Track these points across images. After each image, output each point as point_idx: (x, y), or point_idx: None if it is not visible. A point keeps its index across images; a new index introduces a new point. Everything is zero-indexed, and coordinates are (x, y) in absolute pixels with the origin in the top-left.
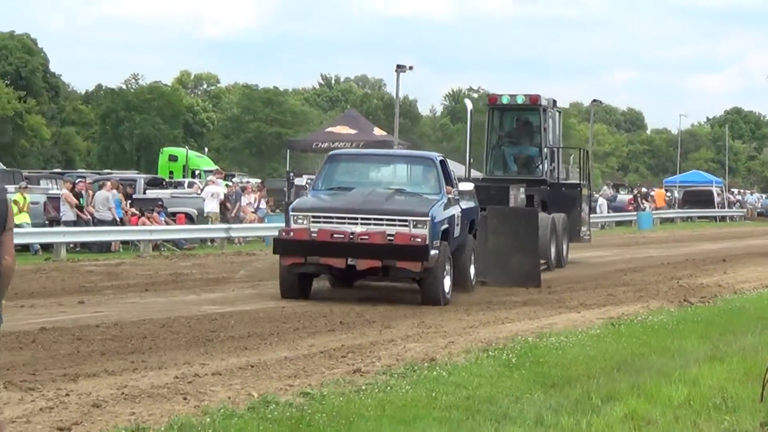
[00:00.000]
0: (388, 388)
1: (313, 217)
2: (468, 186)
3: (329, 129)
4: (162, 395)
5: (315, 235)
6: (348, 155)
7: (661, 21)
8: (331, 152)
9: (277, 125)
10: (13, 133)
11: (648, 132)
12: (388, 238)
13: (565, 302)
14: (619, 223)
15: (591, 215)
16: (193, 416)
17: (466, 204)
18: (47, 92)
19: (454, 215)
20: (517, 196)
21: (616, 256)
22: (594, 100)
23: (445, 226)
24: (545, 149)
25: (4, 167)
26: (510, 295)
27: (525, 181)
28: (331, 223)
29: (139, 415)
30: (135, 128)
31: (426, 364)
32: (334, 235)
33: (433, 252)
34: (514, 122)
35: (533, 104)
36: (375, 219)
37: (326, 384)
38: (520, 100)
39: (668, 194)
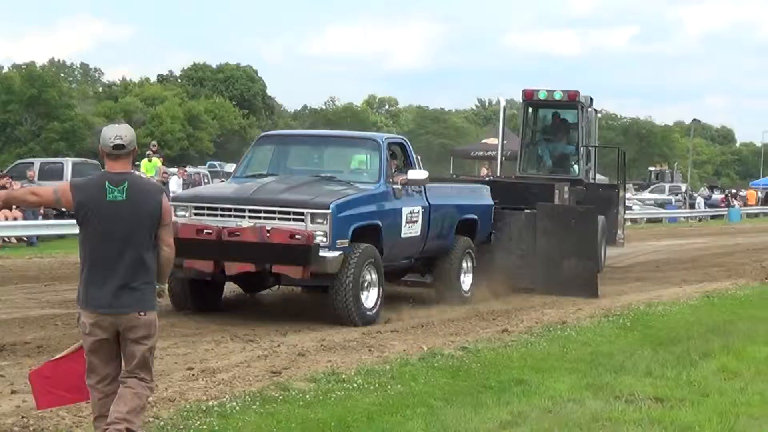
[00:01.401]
0: (529, 344)
1: (196, 208)
2: (419, 175)
3: (484, 140)
4: (352, 347)
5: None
6: (277, 136)
7: (748, 56)
8: (262, 133)
9: (443, 138)
10: (238, 143)
11: (737, 145)
12: (267, 235)
13: (670, 279)
14: (713, 217)
15: (624, 216)
16: (376, 364)
17: (461, 200)
18: (265, 111)
19: (397, 210)
20: (562, 194)
21: (711, 243)
22: (694, 119)
23: (370, 222)
24: (582, 148)
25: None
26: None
27: (561, 181)
28: (215, 215)
29: (334, 363)
30: None
31: (559, 326)
32: (204, 231)
33: (331, 254)
34: (551, 119)
35: (571, 100)
36: (265, 211)
37: (480, 340)
38: (557, 96)
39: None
